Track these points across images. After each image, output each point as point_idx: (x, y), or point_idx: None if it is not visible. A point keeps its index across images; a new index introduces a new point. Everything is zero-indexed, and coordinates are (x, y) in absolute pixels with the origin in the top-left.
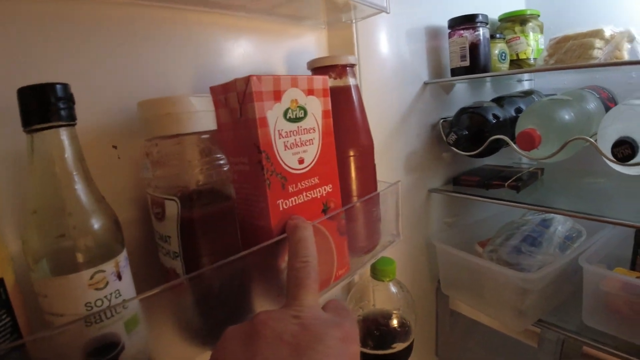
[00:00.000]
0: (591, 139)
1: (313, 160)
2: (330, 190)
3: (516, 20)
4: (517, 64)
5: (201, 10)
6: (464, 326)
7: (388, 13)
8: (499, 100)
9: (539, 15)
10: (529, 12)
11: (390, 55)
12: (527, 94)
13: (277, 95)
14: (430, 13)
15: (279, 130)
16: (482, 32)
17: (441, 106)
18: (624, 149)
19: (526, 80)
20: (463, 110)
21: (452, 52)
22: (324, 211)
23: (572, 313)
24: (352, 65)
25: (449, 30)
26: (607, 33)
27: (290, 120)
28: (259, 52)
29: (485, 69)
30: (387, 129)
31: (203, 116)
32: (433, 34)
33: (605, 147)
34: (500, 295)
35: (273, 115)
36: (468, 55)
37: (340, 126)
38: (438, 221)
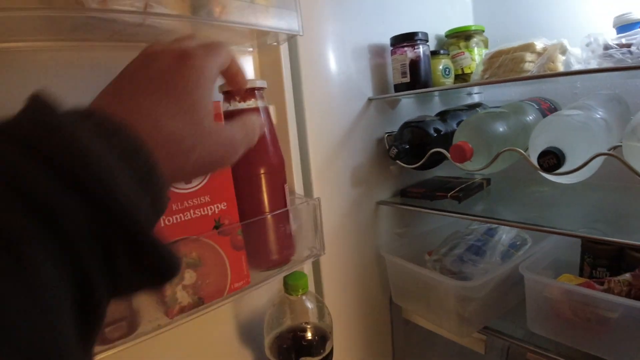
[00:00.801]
0: (520, 150)
1: (203, 180)
2: (224, 207)
3: (461, 36)
4: (463, 78)
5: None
6: (419, 335)
7: (301, 35)
8: (443, 114)
9: (483, 31)
10: (473, 28)
11: (335, 73)
12: (472, 107)
13: None
14: (376, 31)
15: None
16: (422, 49)
17: (387, 121)
18: (549, 159)
19: (476, 93)
20: (405, 125)
21: (394, 68)
22: (217, 228)
23: (518, 320)
24: (260, 89)
25: (391, 48)
26: (539, 46)
27: None
28: None
29: (426, 84)
30: (331, 144)
31: None
32: (378, 51)
33: (535, 158)
34: (444, 304)
35: None
36: (408, 71)
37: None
38: (388, 232)
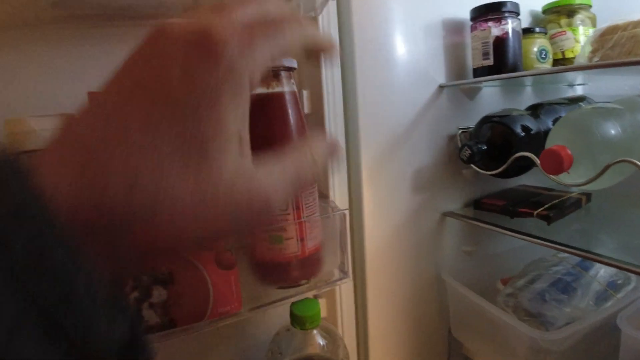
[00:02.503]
0: None
1: None
2: None
3: (562, 11)
4: (563, 63)
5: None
6: None
7: None
8: (535, 109)
9: (590, 6)
10: (577, 2)
11: (398, 53)
12: (574, 101)
13: None
14: (451, 3)
15: None
16: (511, 24)
17: (462, 114)
18: None
19: (578, 84)
20: (485, 120)
21: (474, 48)
22: None
23: None
24: (288, 69)
25: (471, 23)
26: None
27: None
28: None
29: (514, 68)
30: (389, 140)
31: (44, 135)
32: (454, 27)
33: None
34: (514, 351)
35: None
36: (492, 52)
37: (267, 139)
38: (453, 250)
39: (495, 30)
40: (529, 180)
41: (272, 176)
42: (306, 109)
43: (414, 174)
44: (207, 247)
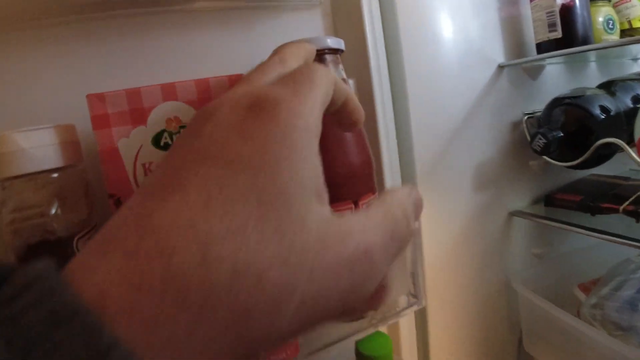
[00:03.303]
0: None
1: None
2: None
3: None
4: (630, 34)
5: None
6: None
7: None
8: (608, 86)
9: None
10: None
11: (449, 31)
12: None
13: (138, 116)
14: None
15: (144, 164)
16: None
17: (525, 97)
18: None
19: None
20: (556, 102)
21: (537, 20)
22: None
23: None
24: (333, 52)
25: None
26: None
27: (167, 147)
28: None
29: (585, 41)
30: (444, 131)
31: (36, 153)
32: None
33: None
34: None
35: (131, 143)
36: (559, 22)
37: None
38: (522, 253)
39: None
40: (597, 169)
41: (365, 225)
42: None
43: (475, 170)
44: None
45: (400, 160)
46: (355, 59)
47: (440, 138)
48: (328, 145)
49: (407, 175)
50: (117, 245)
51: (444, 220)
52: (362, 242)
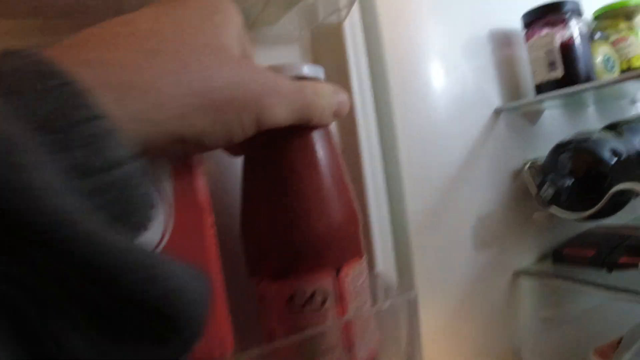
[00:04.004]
0: None
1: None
2: None
3: (619, 14)
4: None
5: None
6: None
7: None
8: (613, 129)
9: None
10: (634, 2)
11: (441, 76)
12: None
13: None
14: (494, 13)
15: None
16: (576, 25)
17: (525, 144)
18: None
19: None
20: (561, 147)
21: (535, 60)
22: None
23: None
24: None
25: (525, 31)
26: None
27: None
28: None
29: (588, 80)
30: (441, 182)
31: None
32: (503, 40)
33: None
34: None
35: None
36: (560, 60)
37: (283, 196)
38: (531, 317)
39: (560, 35)
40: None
41: (278, 80)
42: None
43: (475, 225)
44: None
45: (391, 217)
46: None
47: (435, 191)
48: (305, 198)
49: (399, 233)
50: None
51: (442, 284)
52: (270, 85)
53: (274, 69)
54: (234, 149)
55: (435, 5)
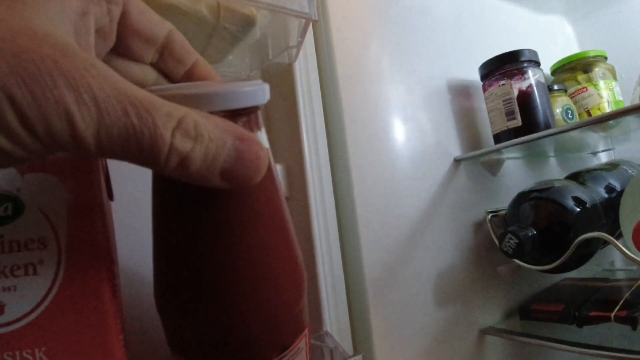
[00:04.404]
0: None
1: (35, 308)
2: None
3: (577, 67)
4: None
5: None
6: None
7: (315, 20)
8: (575, 178)
9: (606, 58)
10: (592, 55)
11: (399, 126)
12: (615, 165)
13: None
14: (452, 65)
15: None
16: (534, 75)
17: (486, 195)
18: None
19: (602, 151)
20: (523, 196)
21: (492, 110)
22: None
23: None
24: (247, 112)
25: (483, 82)
26: None
27: None
28: None
29: (547, 128)
30: (401, 235)
31: None
32: (461, 91)
33: None
34: None
35: None
36: (517, 109)
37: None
38: None
39: (518, 84)
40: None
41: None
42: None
43: (437, 280)
44: None
45: (345, 278)
46: (288, 157)
47: (393, 243)
48: (237, 270)
49: (356, 293)
50: None
51: (402, 343)
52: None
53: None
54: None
55: (395, 56)
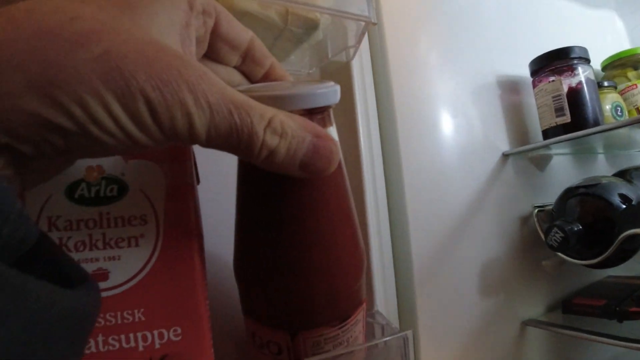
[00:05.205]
0: None
1: (135, 275)
2: (175, 338)
3: (627, 63)
4: None
5: None
6: None
7: (374, 23)
8: (622, 175)
9: None
10: None
11: (449, 120)
12: None
13: None
14: (502, 60)
15: (49, 218)
16: (583, 72)
17: (533, 190)
18: None
19: None
20: (570, 192)
21: (542, 106)
22: None
23: None
24: (321, 110)
25: (533, 78)
26: None
27: (83, 201)
28: None
29: (596, 125)
30: (448, 226)
31: None
32: (510, 87)
33: None
34: None
35: (37, 191)
36: (567, 106)
37: (281, 241)
38: None
39: (567, 81)
40: (612, 270)
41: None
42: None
43: (481, 270)
44: None
45: (394, 263)
46: (345, 149)
47: (441, 235)
48: (313, 252)
49: (403, 279)
50: None
51: (446, 331)
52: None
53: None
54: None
55: (445, 52)
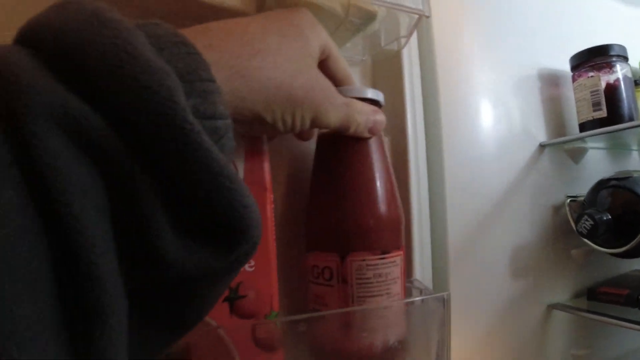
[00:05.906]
0: None
1: None
2: (249, 269)
3: None
4: None
5: None
6: None
7: (427, 16)
8: None
9: None
10: None
11: (489, 109)
12: None
13: None
14: (543, 54)
15: None
16: (622, 69)
17: (567, 181)
18: None
19: None
20: (602, 184)
21: (580, 100)
22: (230, 300)
23: None
24: (371, 103)
25: (573, 73)
26: None
27: None
28: None
29: (631, 120)
30: (482, 207)
31: None
32: (550, 79)
33: None
34: None
35: None
36: (604, 101)
37: (339, 188)
38: (562, 353)
39: (605, 77)
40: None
41: (334, 93)
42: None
43: (512, 254)
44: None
45: (432, 239)
46: (393, 133)
47: (476, 216)
48: (358, 190)
49: (439, 254)
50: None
51: (475, 310)
52: (322, 87)
53: (342, 89)
54: (300, 135)
55: (488, 44)
